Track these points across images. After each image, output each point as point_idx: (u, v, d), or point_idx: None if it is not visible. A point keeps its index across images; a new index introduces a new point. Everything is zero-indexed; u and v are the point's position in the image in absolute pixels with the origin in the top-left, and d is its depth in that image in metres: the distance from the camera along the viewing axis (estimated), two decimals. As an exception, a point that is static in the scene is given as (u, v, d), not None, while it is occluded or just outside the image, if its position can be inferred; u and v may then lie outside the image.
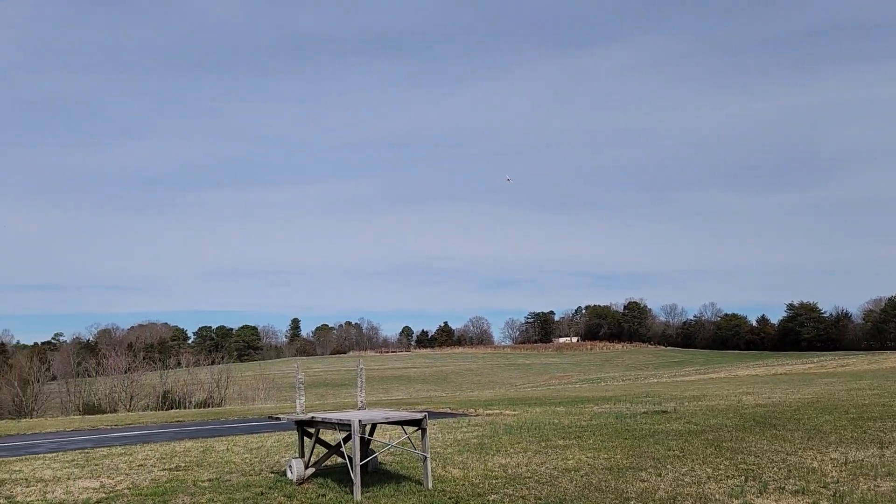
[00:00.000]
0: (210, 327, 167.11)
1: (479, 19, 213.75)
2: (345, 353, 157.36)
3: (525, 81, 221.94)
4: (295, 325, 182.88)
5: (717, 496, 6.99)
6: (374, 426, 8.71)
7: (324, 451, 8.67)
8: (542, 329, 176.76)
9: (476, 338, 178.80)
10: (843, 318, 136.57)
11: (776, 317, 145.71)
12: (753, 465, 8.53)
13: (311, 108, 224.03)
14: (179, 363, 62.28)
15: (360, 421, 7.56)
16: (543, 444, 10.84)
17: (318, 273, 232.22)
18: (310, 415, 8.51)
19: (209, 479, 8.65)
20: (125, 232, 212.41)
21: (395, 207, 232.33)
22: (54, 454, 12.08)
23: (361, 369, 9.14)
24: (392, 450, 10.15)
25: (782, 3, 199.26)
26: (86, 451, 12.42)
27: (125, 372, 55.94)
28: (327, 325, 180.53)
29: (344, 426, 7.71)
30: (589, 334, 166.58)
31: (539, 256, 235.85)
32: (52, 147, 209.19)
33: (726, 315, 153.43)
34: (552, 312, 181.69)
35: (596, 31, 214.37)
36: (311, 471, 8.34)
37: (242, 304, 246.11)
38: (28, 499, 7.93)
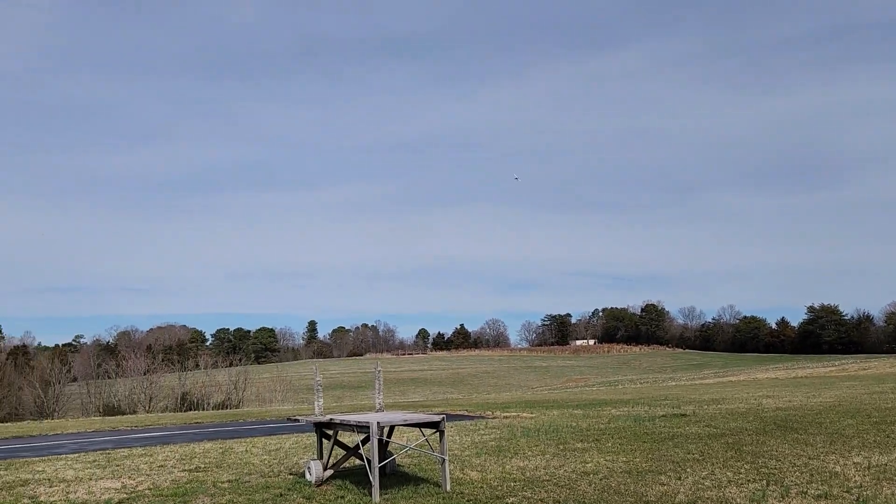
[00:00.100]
0: (228, 329, 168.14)
1: (494, 22, 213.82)
2: (361, 355, 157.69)
3: (541, 84, 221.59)
4: (312, 327, 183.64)
5: (738, 500, 6.93)
6: (391, 428, 8.73)
7: (342, 452, 8.70)
8: (558, 331, 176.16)
9: (492, 340, 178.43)
10: (864, 320, 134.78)
11: (796, 319, 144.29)
12: (775, 469, 8.45)
13: (328, 111, 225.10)
14: (198, 365, 62.78)
15: (378, 423, 7.57)
16: (561, 447, 10.80)
17: (335, 275, 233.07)
18: (328, 417, 8.54)
19: (229, 481, 8.70)
20: (145, 235, 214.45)
21: (412, 210, 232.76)
22: (76, 455, 12.21)
23: (379, 371, 9.16)
24: (410, 452, 10.16)
25: (798, 3, 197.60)
26: (107, 451, 12.55)
27: (144, 374, 56.48)
28: (344, 328, 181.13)
29: (362, 428, 7.73)
30: (606, 337, 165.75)
31: (556, 258, 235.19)
32: (73, 151, 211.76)
33: (745, 317, 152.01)
34: (569, 315, 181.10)
35: (612, 32, 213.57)
36: (329, 472, 8.37)
37: (260, 306, 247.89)
38: (51, 499, 8.03)
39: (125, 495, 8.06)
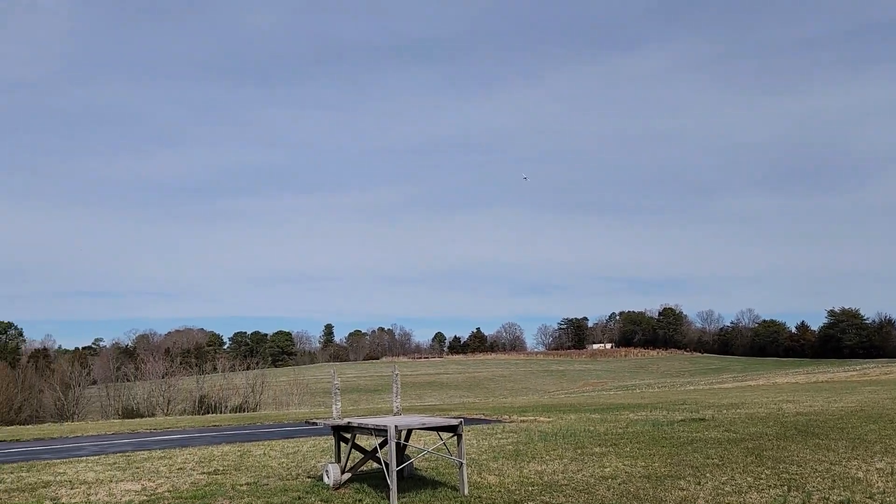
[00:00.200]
0: (245, 333, 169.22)
1: (510, 26, 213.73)
2: (377, 358, 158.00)
3: (558, 86, 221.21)
4: (328, 330, 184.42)
5: (759, 506, 6.86)
6: (409, 432, 8.73)
7: (360, 456, 8.71)
8: (575, 335, 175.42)
9: (509, 344, 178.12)
10: (886, 324, 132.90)
11: (816, 323, 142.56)
12: (796, 474, 8.35)
13: (345, 115, 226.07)
14: (215, 368, 63.16)
15: (396, 426, 7.58)
16: (579, 451, 10.74)
17: (351, 279, 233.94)
18: (346, 420, 8.56)
19: (247, 483, 8.74)
20: (163, 239, 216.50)
21: (429, 213, 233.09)
22: (96, 457, 12.32)
23: (397, 375, 9.17)
24: (427, 455, 10.16)
25: (815, 4, 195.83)
26: (127, 454, 12.65)
27: (163, 377, 56.90)
28: (360, 331, 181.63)
29: (380, 431, 7.73)
30: (623, 341, 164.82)
31: (572, 262, 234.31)
32: (93, 155, 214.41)
33: (764, 321, 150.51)
34: (585, 319, 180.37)
35: (629, 34, 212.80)
36: (347, 476, 8.38)
37: (277, 309, 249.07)
38: (72, 500, 8.11)
39: (145, 497, 8.12)
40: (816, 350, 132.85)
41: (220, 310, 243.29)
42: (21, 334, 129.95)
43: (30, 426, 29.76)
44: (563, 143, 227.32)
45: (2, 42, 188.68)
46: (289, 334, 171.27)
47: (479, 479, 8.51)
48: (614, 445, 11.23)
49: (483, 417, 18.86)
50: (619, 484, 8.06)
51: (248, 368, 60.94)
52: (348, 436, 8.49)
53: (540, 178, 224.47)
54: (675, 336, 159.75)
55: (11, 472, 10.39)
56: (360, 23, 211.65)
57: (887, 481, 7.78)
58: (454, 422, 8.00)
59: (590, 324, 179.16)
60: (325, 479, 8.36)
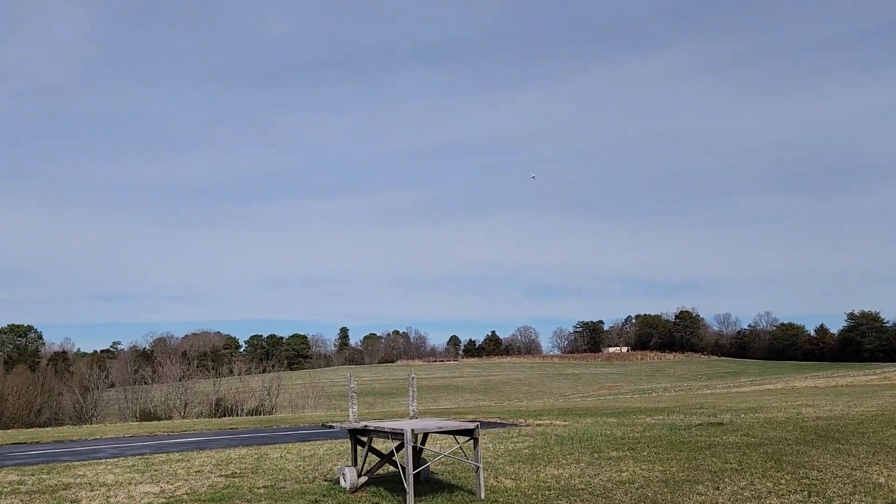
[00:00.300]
0: (261, 336, 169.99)
1: (521, 28, 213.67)
2: (392, 361, 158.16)
3: (574, 88, 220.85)
4: (343, 333, 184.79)
5: (778, 511, 6.79)
6: (425, 435, 8.73)
7: (376, 459, 8.72)
8: (590, 338, 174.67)
9: (524, 347, 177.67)
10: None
11: (836, 326, 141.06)
12: (816, 479, 8.26)
13: (357, 118, 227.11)
14: (231, 371, 63.55)
15: (412, 430, 7.58)
16: (596, 455, 10.69)
17: (366, 282, 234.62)
18: (363, 423, 8.58)
19: (264, 486, 8.78)
20: (180, 243, 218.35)
21: (443, 216, 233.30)
22: (115, 459, 12.42)
23: (413, 379, 9.17)
24: (443, 459, 10.15)
25: (828, 5, 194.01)
26: (145, 456, 12.75)
27: (179, 380, 57.37)
28: (375, 335, 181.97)
29: (397, 435, 7.74)
30: (639, 344, 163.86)
31: (587, 265, 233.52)
32: (111, 160, 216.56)
33: (782, 324, 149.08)
34: (601, 322, 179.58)
35: (639, 36, 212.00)
36: (363, 479, 8.39)
37: (292, 313, 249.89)
38: (92, 503, 8.18)
39: (164, 500, 8.18)
40: (836, 353, 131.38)
41: (236, 313, 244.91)
42: (41, 337, 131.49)
43: (49, 428, 30.08)
44: (576, 146, 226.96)
45: (20, 48, 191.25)
46: (304, 337, 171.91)
47: (495, 483, 8.49)
48: (631, 450, 11.17)
49: (499, 421, 18.82)
50: (637, 489, 8.01)
51: (263, 371, 61.32)
52: (365, 439, 8.51)
53: (554, 181, 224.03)
54: (692, 339, 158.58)
55: (32, 475, 10.51)
56: (371, 27, 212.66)
57: (910, 487, 7.68)
58: (470, 425, 7.99)
59: (605, 327, 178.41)
60: (342, 483, 8.38)
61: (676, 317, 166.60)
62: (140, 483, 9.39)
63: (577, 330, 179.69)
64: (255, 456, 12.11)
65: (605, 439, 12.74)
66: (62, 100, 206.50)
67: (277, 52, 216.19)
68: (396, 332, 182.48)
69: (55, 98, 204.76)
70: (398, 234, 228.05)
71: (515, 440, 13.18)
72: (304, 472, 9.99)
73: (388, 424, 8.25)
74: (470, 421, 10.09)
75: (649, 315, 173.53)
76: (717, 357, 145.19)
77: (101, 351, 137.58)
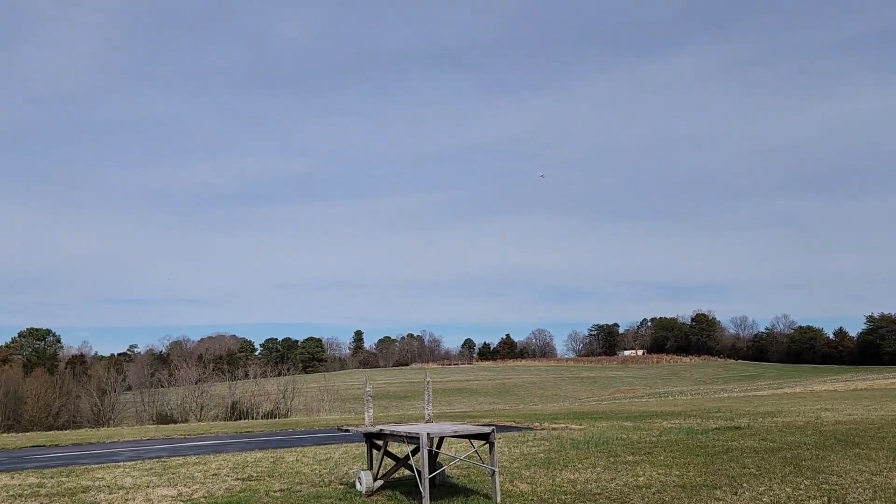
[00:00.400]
0: (276, 339, 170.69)
1: (539, 32, 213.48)
2: (407, 365, 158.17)
3: (589, 91, 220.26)
4: (358, 337, 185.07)
5: (798, 517, 6.72)
6: (441, 439, 8.72)
7: (392, 463, 8.73)
8: (606, 342, 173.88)
9: (539, 350, 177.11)
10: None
11: (855, 329, 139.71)
12: (836, 485, 8.17)
13: (374, 122, 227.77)
14: (247, 374, 63.84)
15: (428, 434, 7.58)
16: (612, 459, 10.64)
17: (381, 285, 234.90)
18: (378, 427, 8.59)
19: (280, 490, 8.81)
20: (196, 247, 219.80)
21: (458, 220, 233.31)
22: (133, 462, 12.52)
23: (428, 382, 9.18)
24: (459, 463, 10.14)
25: (849, 5, 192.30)
26: (162, 459, 12.84)
27: (196, 383, 57.72)
28: (390, 338, 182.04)
29: (412, 439, 7.74)
30: (655, 347, 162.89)
31: (603, 268, 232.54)
32: (128, 165, 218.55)
33: (800, 327, 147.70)
34: (616, 325, 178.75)
35: (657, 39, 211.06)
36: (379, 483, 8.40)
37: (307, 316, 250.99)
38: (111, 505, 8.25)
39: (181, 503, 8.23)
40: (855, 357, 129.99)
41: (252, 316, 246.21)
42: (59, 341, 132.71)
43: (67, 431, 30.34)
44: (591, 149, 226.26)
45: (37, 55, 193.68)
46: (319, 341, 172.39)
47: (511, 487, 8.47)
48: (648, 454, 11.10)
49: (514, 425, 18.78)
50: (654, 493, 7.96)
51: (279, 375, 61.42)
52: (380, 443, 8.52)
53: (569, 184, 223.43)
54: (709, 342, 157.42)
55: (52, 477, 10.61)
56: (386, 32, 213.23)
57: (932, 493, 7.57)
58: (486, 430, 7.98)
59: (621, 330, 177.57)
60: (358, 486, 8.39)
61: (692, 320, 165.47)
62: (158, 486, 9.45)
63: (592, 333, 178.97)
64: (271, 459, 12.16)
65: (621, 443, 12.67)
66: (80, 106, 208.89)
67: (292, 57, 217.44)
68: (411, 336, 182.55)
69: (73, 104, 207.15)
70: (413, 237, 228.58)
71: (531, 444, 13.14)
72: (320, 475, 10.01)
73: (403, 428, 8.26)
74: (485, 424, 10.07)
75: (665, 318, 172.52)
76: (733, 360, 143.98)
77: (119, 354, 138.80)
